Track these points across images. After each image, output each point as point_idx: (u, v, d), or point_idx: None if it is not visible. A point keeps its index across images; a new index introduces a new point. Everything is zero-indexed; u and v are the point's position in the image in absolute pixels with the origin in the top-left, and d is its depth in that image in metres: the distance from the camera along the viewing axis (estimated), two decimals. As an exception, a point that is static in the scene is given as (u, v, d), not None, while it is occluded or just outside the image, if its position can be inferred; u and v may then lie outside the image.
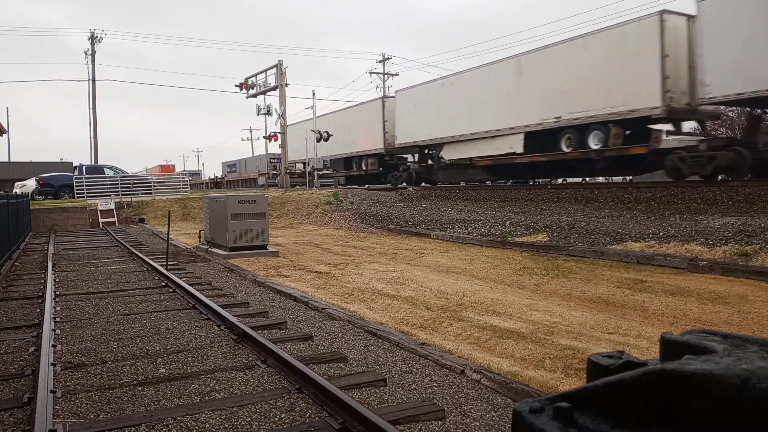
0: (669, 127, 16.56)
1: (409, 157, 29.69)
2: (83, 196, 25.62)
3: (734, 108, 22.67)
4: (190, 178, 39.58)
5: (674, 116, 15.76)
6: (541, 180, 22.75)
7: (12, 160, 48.47)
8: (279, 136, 31.37)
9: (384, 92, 47.56)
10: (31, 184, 27.42)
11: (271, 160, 41.47)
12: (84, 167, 28.75)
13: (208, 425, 3.59)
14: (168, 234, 11.08)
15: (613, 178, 24.07)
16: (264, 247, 12.21)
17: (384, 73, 50.85)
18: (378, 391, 4.15)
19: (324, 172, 33.12)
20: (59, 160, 45.07)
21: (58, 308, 7.11)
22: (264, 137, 34.64)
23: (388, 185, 28.18)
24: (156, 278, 9.35)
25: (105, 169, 28.73)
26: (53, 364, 4.67)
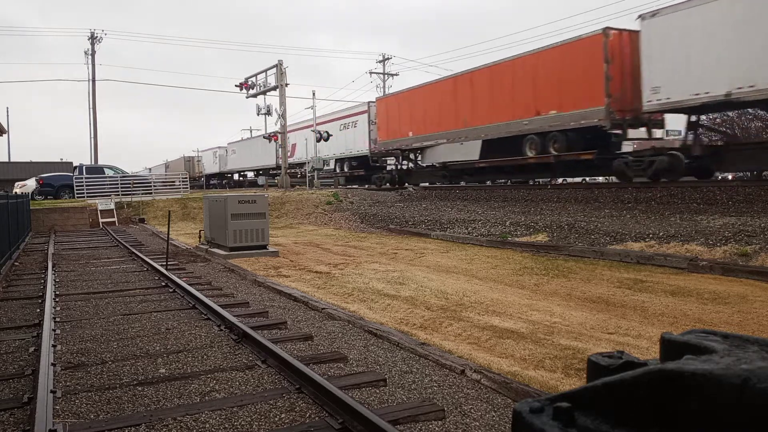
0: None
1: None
2: (83, 196, 25.63)
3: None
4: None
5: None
6: (540, 180, 22.75)
7: (12, 160, 48.48)
8: (279, 136, 31.39)
9: (384, 92, 47.36)
10: (31, 184, 27.43)
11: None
12: (84, 167, 28.78)
13: (208, 425, 3.59)
14: (168, 234, 11.08)
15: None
16: (264, 247, 12.21)
17: (384, 73, 50.99)
18: (378, 391, 4.15)
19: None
20: (59, 160, 45.07)
21: (58, 308, 7.11)
22: (264, 137, 34.68)
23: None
24: (156, 278, 9.35)
25: (105, 169, 28.75)
26: (53, 364, 4.67)
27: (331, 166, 34.55)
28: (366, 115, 29.43)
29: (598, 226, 11.88)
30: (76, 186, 26.43)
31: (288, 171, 32.51)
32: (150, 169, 68.90)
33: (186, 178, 31.50)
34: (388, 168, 29.96)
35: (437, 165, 24.85)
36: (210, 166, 53.42)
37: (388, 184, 27.89)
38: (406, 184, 26.92)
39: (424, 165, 25.99)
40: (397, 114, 26.01)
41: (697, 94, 13.62)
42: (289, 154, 34.69)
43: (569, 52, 16.89)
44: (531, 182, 22.37)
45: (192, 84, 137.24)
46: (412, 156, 26.90)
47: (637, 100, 15.26)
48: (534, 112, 18.09)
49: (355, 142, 30.48)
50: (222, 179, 53.29)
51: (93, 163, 37.33)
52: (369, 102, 29.62)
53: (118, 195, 25.74)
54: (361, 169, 31.18)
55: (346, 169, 33.06)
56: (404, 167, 27.72)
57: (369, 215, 19.47)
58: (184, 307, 7.12)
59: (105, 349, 5.31)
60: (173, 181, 30.69)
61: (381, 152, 28.58)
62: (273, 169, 39.21)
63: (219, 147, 53.05)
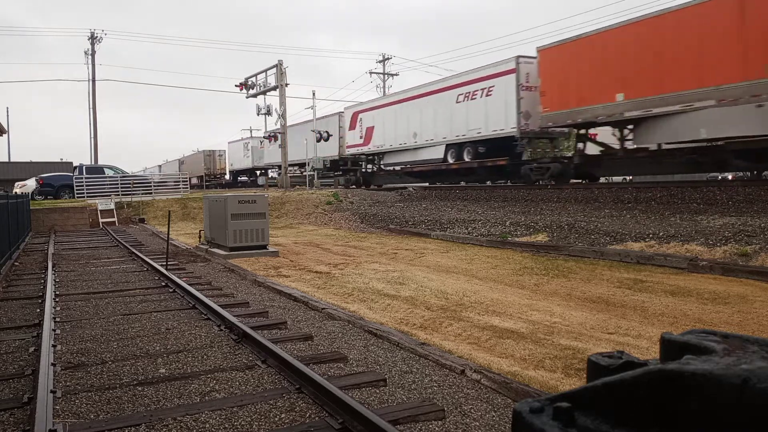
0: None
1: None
2: (83, 196, 25.64)
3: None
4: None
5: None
6: (540, 180, 22.76)
7: (12, 160, 48.46)
8: (279, 136, 31.41)
9: (384, 92, 47.20)
10: (31, 184, 27.44)
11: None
12: (84, 167, 28.79)
13: (208, 425, 3.59)
14: (168, 234, 11.07)
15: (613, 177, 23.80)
16: (264, 247, 12.21)
17: (384, 73, 51.00)
18: (378, 391, 4.15)
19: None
20: (59, 160, 45.05)
21: (58, 308, 7.11)
22: (264, 137, 34.68)
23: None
24: (156, 278, 9.35)
25: (105, 169, 28.76)
26: (53, 364, 4.67)
27: (435, 155, 23.55)
28: (512, 76, 19.12)
29: (598, 226, 11.88)
30: (76, 186, 26.44)
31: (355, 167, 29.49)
32: (160, 166, 62.87)
33: (186, 178, 31.46)
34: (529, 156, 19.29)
35: (667, 147, 15.23)
36: (239, 161, 45.82)
37: (552, 181, 18.74)
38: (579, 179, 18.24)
39: (633, 147, 16.17)
40: (583, 69, 16.29)
41: None
42: (362, 141, 28.19)
43: None
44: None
45: (192, 84, 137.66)
46: (597, 134, 17.69)
47: None
48: None
49: (487, 118, 20.29)
50: (255, 176, 45.19)
51: (93, 163, 37.34)
52: (518, 57, 19.16)
53: (118, 195, 25.75)
54: (500, 157, 20.48)
55: (466, 158, 21.91)
56: (582, 153, 17.88)
57: (369, 215, 19.47)
58: (184, 307, 7.12)
59: (105, 349, 5.31)
60: (185, 180, 30.18)
61: (539, 131, 18.82)
62: (330, 161, 30.82)
63: (252, 137, 44.78)
